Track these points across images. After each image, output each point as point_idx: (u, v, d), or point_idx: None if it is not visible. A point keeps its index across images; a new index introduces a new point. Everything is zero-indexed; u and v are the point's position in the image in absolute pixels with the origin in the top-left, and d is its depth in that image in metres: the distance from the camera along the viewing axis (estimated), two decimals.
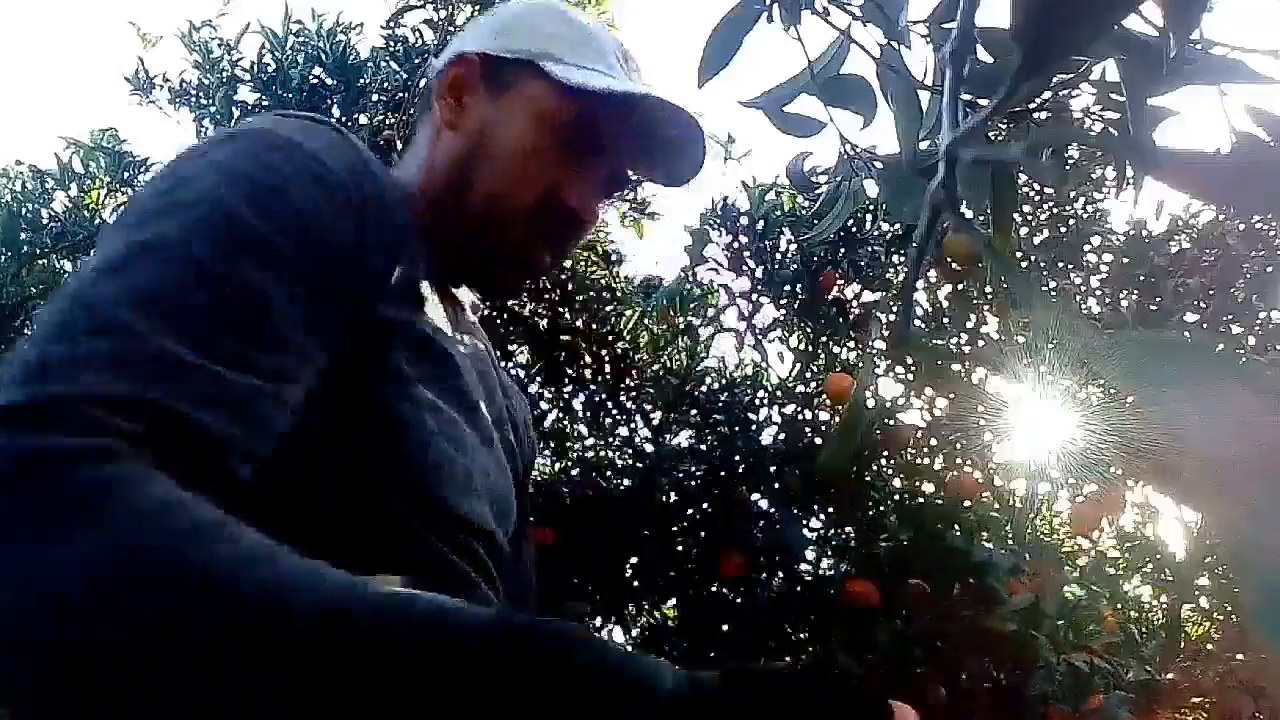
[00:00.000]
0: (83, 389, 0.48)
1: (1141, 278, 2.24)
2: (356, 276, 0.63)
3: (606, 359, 2.16)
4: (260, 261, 0.57)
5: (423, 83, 0.88)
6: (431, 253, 0.78)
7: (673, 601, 2.06)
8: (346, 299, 0.63)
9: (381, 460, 0.64)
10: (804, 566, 2.01)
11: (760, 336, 2.37)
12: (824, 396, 2.11)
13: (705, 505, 1.98)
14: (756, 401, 2.12)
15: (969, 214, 0.59)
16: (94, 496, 0.44)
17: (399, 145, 2.07)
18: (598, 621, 2.07)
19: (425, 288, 0.73)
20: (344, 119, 2.24)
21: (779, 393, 2.17)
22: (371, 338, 0.65)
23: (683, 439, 2.13)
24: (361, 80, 2.26)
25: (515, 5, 0.87)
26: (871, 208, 2.17)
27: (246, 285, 0.56)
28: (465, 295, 0.88)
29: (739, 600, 1.95)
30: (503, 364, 1.01)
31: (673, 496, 1.98)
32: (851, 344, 2.33)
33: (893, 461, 2.11)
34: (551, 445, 2.21)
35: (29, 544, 0.43)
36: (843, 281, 2.30)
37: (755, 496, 1.99)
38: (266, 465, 0.56)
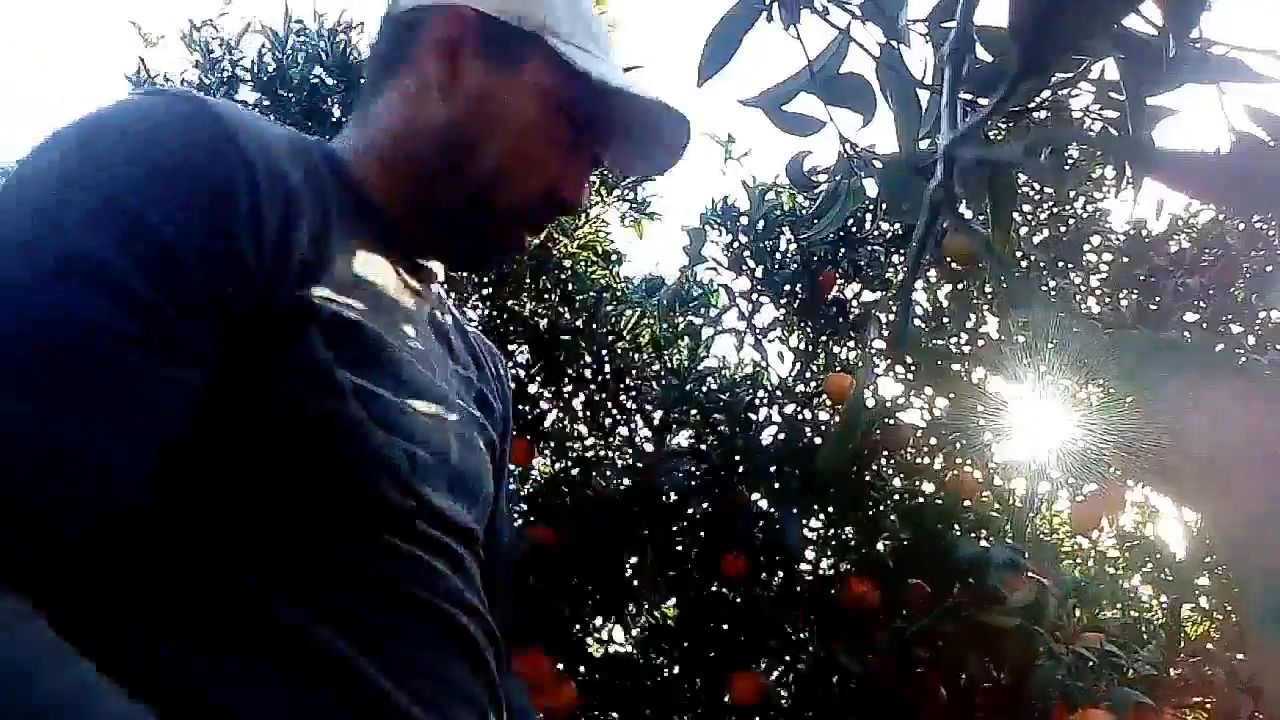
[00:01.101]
0: None
1: (1141, 277, 2.24)
2: (225, 269, 0.57)
3: (606, 359, 2.16)
4: (101, 286, 0.52)
5: (381, 26, 0.80)
6: (381, 216, 0.73)
7: (673, 601, 2.06)
8: (216, 298, 0.56)
9: (306, 462, 0.59)
10: (804, 566, 2.01)
11: (760, 336, 2.37)
12: (824, 396, 2.11)
13: (705, 505, 1.98)
14: (756, 401, 2.12)
15: (968, 214, 0.59)
16: None
17: None
18: (598, 621, 2.07)
19: (355, 257, 0.67)
20: (344, 119, 2.25)
21: (779, 393, 2.17)
22: (274, 327, 0.59)
23: (683, 439, 2.13)
24: (361, 80, 2.26)
25: None
26: (871, 207, 2.17)
27: (86, 317, 0.51)
28: (433, 265, 0.82)
29: (739, 600, 1.95)
30: (506, 362, 0.99)
31: (673, 496, 1.98)
32: (851, 344, 2.33)
33: (892, 461, 2.11)
34: (551, 445, 2.21)
35: None
36: (842, 281, 2.30)
37: (755, 496, 1.99)
38: (140, 503, 0.54)
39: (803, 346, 2.33)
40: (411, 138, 0.75)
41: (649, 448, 2.13)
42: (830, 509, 2.03)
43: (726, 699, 1.81)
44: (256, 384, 0.58)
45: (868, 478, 2.01)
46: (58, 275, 0.51)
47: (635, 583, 1.99)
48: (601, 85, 0.74)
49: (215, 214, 0.57)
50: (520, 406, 2.08)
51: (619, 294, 2.31)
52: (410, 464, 0.65)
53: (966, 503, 1.96)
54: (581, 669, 1.97)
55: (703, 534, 1.97)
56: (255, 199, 0.58)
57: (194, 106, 0.60)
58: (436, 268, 0.83)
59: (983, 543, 1.82)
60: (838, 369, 2.24)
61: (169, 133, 0.58)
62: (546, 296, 2.18)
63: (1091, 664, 1.67)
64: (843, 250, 2.25)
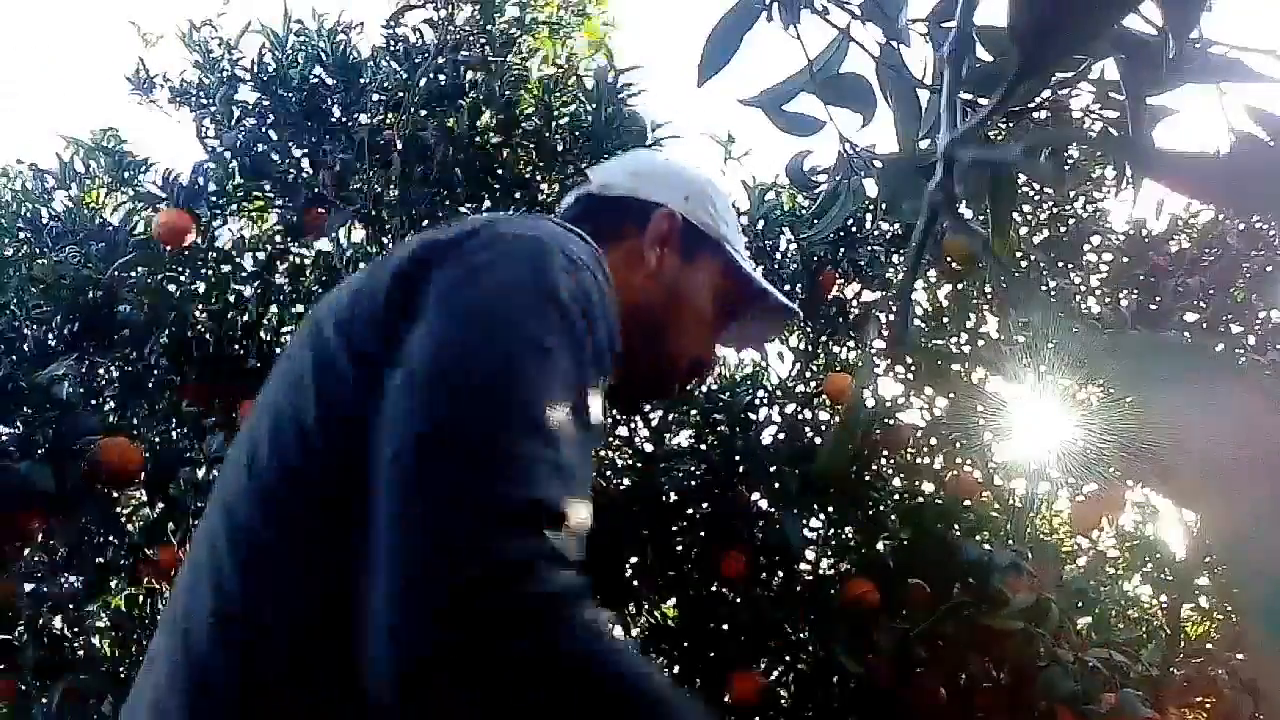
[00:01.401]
0: (553, 499, 0.54)
1: (1141, 277, 2.24)
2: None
3: None
4: (584, 375, 0.63)
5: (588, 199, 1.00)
6: None
7: (673, 601, 2.06)
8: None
9: None
10: (804, 566, 2.01)
11: None
12: (824, 396, 2.11)
13: (705, 505, 1.98)
14: (756, 401, 2.12)
15: (968, 214, 0.59)
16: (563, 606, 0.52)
17: (399, 145, 2.07)
18: None
19: None
20: (344, 119, 2.24)
21: (779, 392, 2.17)
22: None
23: (683, 439, 2.13)
24: (361, 80, 2.25)
25: (690, 168, 1.02)
26: (871, 207, 2.17)
27: (583, 401, 0.62)
28: None
29: (739, 600, 1.95)
30: None
31: (673, 496, 1.98)
32: (851, 344, 2.33)
33: (892, 461, 2.11)
34: None
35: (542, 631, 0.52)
36: (842, 281, 2.30)
37: (755, 496, 1.99)
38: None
39: (803, 346, 2.33)
40: (626, 306, 0.87)
41: (649, 448, 2.13)
42: (830, 509, 2.03)
43: (726, 699, 1.81)
44: None
45: (868, 478, 2.01)
46: (577, 369, 0.62)
47: (635, 583, 2.00)
48: (756, 290, 0.97)
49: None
50: None
51: None
52: None
53: (966, 503, 1.96)
54: None
55: (703, 534, 1.97)
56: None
57: (593, 249, 0.74)
58: None
59: (985, 545, 1.82)
60: (838, 369, 2.24)
61: (600, 273, 0.72)
62: None
63: (1094, 666, 1.67)
64: (843, 250, 2.25)
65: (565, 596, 0.52)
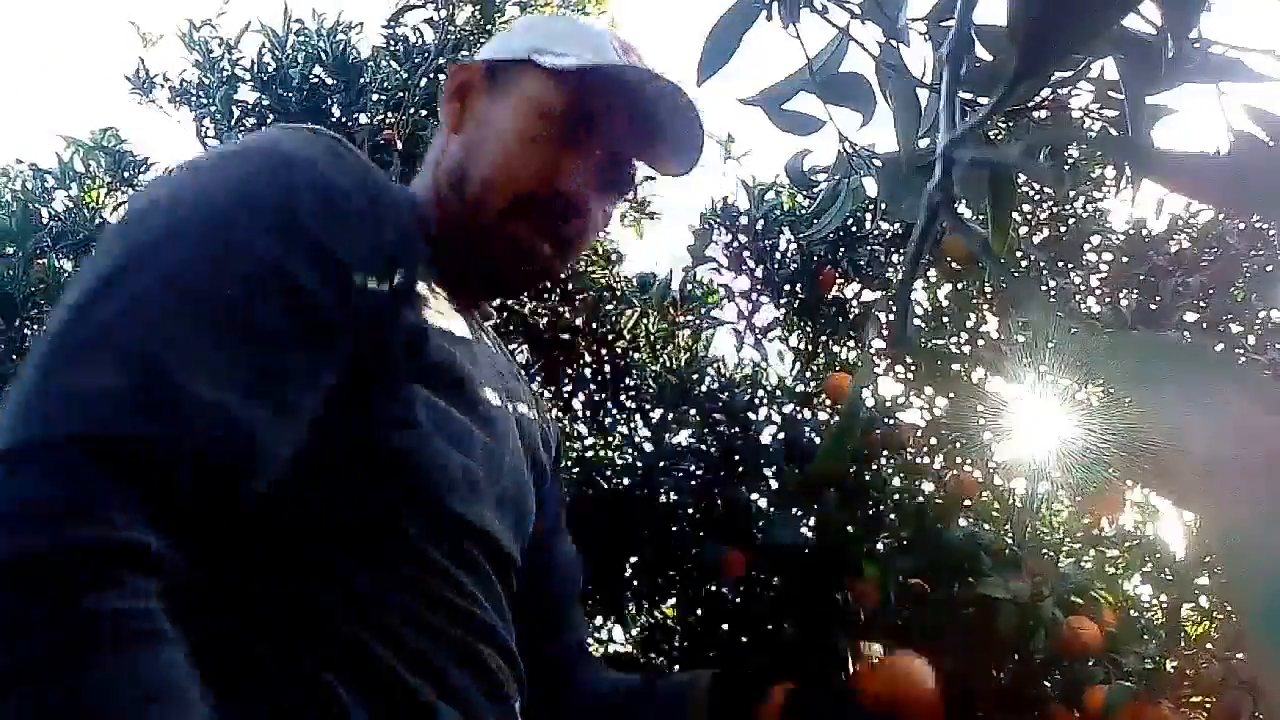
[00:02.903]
0: (100, 429, 0.49)
1: (1141, 277, 2.24)
2: (363, 292, 0.64)
3: (606, 358, 2.16)
4: (269, 288, 0.57)
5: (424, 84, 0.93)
6: (443, 259, 0.79)
7: (673, 601, 2.06)
8: (354, 315, 0.63)
9: (380, 462, 0.64)
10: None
11: (760, 336, 2.37)
12: (823, 396, 2.11)
13: (705, 505, 1.97)
14: (756, 401, 2.12)
15: (967, 214, 0.59)
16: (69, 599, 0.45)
17: (399, 145, 2.07)
18: (598, 621, 2.07)
19: (431, 293, 0.73)
20: (344, 119, 2.24)
21: (779, 392, 2.17)
22: (376, 346, 0.65)
23: (683, 439, 2.13)
24: (361, 80, 2.26)
25: (520, 19, 0.91)
26: (871, 207, 2.17)
27: (254, 313, 0.56)
28: (486, 308, 0.91)
29: (739, 600, 1.95)
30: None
31: (673, 496, 1.98)
32: (851, 344, 2.32)
33: (892, 461, 2.11)
34: None
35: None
36: (842, 281, 2.30)
37: (755, 496, 1.99)
38: (282, 480, 0.58)
39: (802, 346, 2.33)
40: (437, 180, 0.83)
41: (649, 448, 2.13)
42: (830, 509, 2.03)
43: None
44: (352, 392, 0.63)
45: (867, 477, 2.00)
46: (243, 278, 0.57)
47: (635, 583, 1.99)
48: (588, 78, 0.78)
49: (363, 239, 0.64)
50: None
51: (619, 293, 2.31)
52: (468, 480, 0.68)
53: (966, 502, 1.96)
54: None
55: (703, 534, 1.97)
56: (382, 229, 0.66)
57: (345, 147, 0.69)
58: (488, 309, 0.92)
59: (983, 542, 1.82)
60: (838, 369, 2.24)
61: (332, 166, 0.66)
62: (546, 296, 2.18)
63: (1092, 662, 1.67)
64: (843, 250, 2.25)
65: (37, 550, 0.45)
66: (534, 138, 0.79)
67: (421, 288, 0.71)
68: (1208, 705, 1.68)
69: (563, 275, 0.93)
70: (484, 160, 0.80)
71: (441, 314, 0.74)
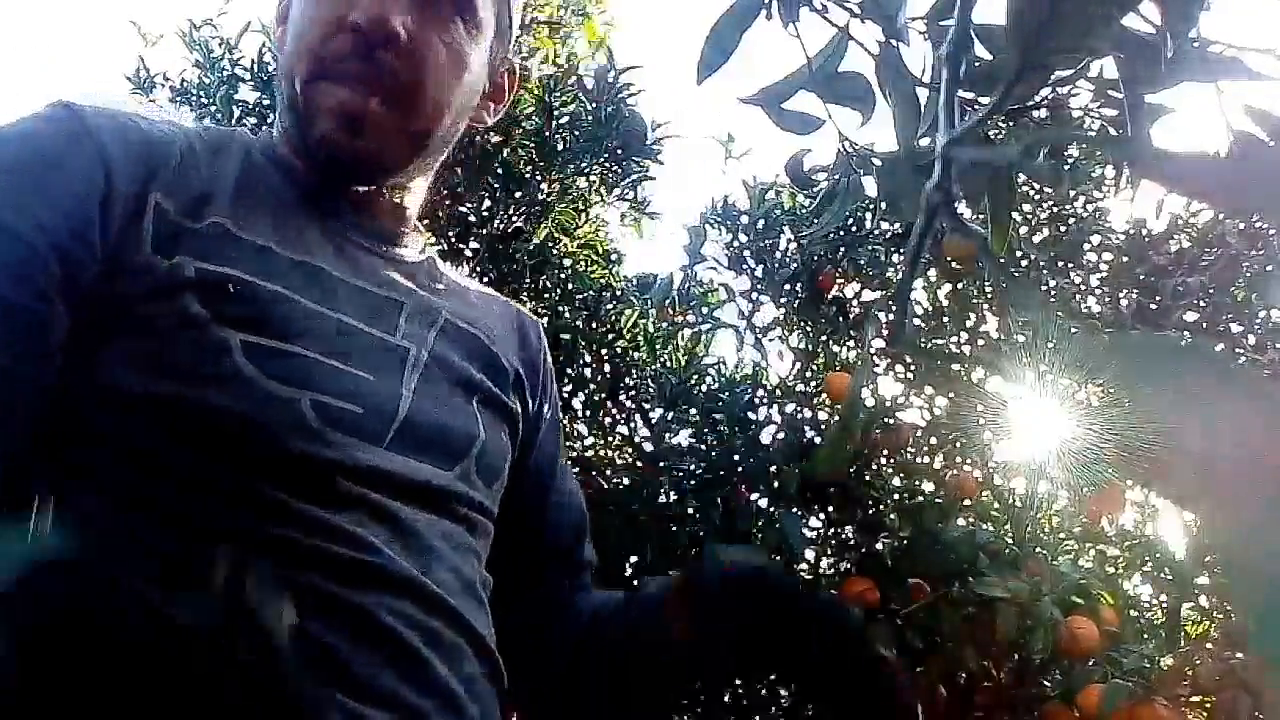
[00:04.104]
0: None
1: (1141, 276, 2.24)
2: (72, 247, 0.61)
3: (606, 358, 2.15)
4: None
5: None
6: (297, 179, 0.77)
7: None
8: (65, 277, 0.60)
9: (191, 422, 0.60)
10: (804, 566, 2.01)
11: (760, 335, 2.37)
12: (823, 396, 2.10)
13: (705, 505, 1.97)
14: (756, 400, 2.12)
15: (967, 213, 0.59)
16: None
17: None
18: None
19: (260, 224, 0.70)
20: None
21: (779, 392, 2.17)
22: (142, 293, 0.62)
23: (683, 438, 2.13)
24: None
25: None
26: (871, 206, 2.17)
27: None
28: (411, 236, 0.84)
29: None
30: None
31: (673, 496, 1.98)
32: (851, 343, 2.32)
33: (892, 461, 2.11)
34: None
35: None
36: (843, 280, 2.30)
37: (755, 496, 1.99)
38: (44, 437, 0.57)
39: (802, 346, 2.32)
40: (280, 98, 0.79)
41: (649, 447, 2.13)
42: (830, 509, 2.03)
43: (726, 699, 1.81)
44: (129, 348, 0.61)
45: (867, 477, 2.00)
46: None
47: (635, 583, 1.99)
48: None
49: (60, 200, 0.61)
50: None
51: (619, 293, 2.31)
52: (320, 415, 0.63)
53: (966, 502, 1.96)
54: None
55: (703, 534, 1.97)
56: (108, 183, 0.63)
57: (60, 110, 0.66)
58: (414, 240, 0.84)
59: (968, 525, 1.82)
60: (838, 368, 2.24)
61: (29, 132, 0.64)
62: (546, 295, 2.18)
63: (1092, 661, 1.67)
64: (843, 249, 2.25)
65: None
66: (313, 6, 0.74)
67: (242, 226, 0.67)
68: (1207, 705, 1.68)
69: (417, 132, 0.76)
70: (287, 52, 0.75)
71: (267, 239, 0.69)
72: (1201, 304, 2.20)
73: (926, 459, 2.14)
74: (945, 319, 2.24)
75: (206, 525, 0.59)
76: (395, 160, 0.77)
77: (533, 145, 2.24)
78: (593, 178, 2.30)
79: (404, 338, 0.73)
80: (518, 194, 2.23)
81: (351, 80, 0.72)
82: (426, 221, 2.04)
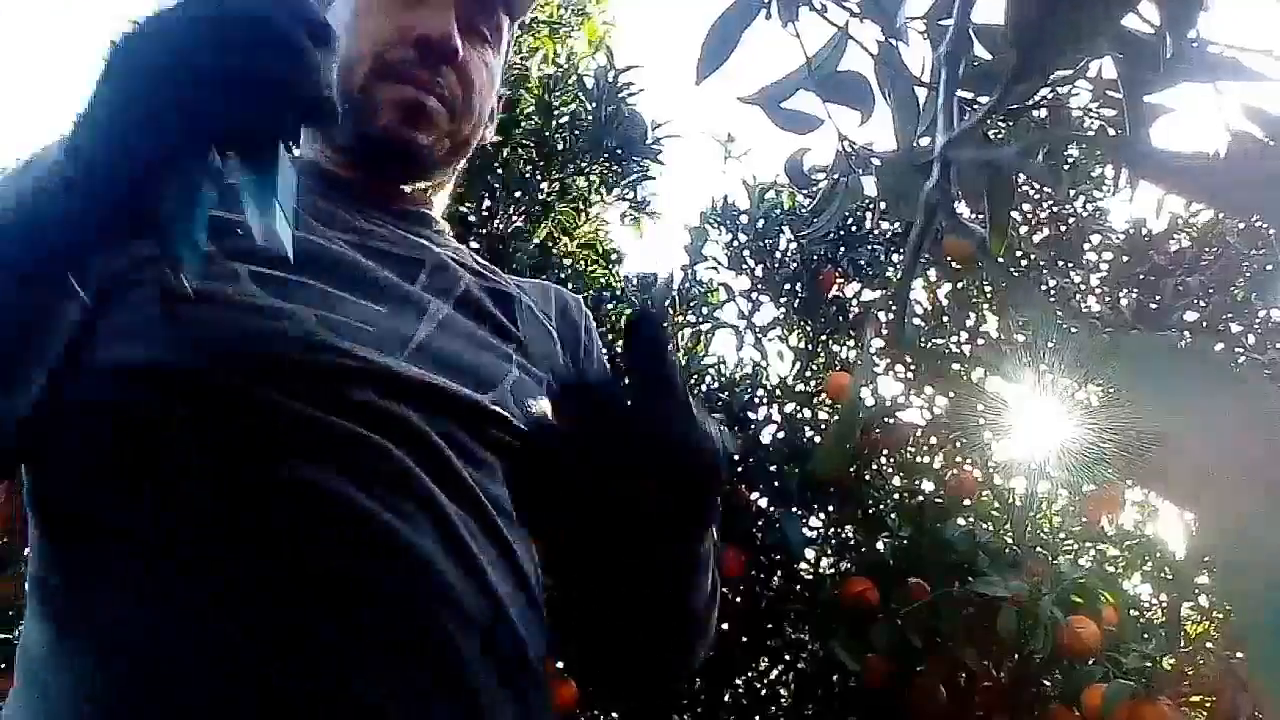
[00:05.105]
0: None
1: (1141, 276, 2.24)
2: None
3: (607, 358, 2.15)
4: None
5: None
6: (336, 179, 0.78)
7: None
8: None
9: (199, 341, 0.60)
10: (804, 566, 2.01)
11: (760, 335, 2.37)
12: (823, 395, 2.11)
13: None
14: (756, 400, 2.12)
15: (966, 213, 0.59)
16: None
17: None
18: None
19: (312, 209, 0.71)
20: None
21: (779, 391, 2.17)
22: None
23: None
24: None
25: None
26: (871, 206, 2.17)
27: None
28: (431, 217, 0.86)
29: (739, 600, 1.95)
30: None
31: None
32: (851, 343, 2.32)
33: (892, 460, 2.11)
34: None
35: None
36: (842, 280, 2.30)
37: (755, 496, 1.99)
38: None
39: (802, 345, 2.33)
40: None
41: None
42: (830, 508, 2.03)
43: (727, 698, 1.81)
44: (140, 279, 0.61)
45: (867, 477, 2.00)
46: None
47: None
48: None
49: None
50: None
51: (619, 293, 2.31)
52: (326, 326, 0.62)
53: (966, 502, 1.96)
54: None
55: None
56: None
57: None
58: (442, 230, 0.86)
59: (982, 542, 1.82)
60: (838, 368, 2.24)
61: None
62: None
63: (1092, 661, 1.67)
64: (842, 249, 2.25)
65: None
66: (379, 8, 0.78)
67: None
68: (1207, 704, 1.68)
69: (461, 143, 0.82)
70: (343, 49, 0.74)
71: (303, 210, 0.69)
72: (1201, 304, 2.20)
73: (926, 459, 2.14)
74: (945, 319, 2.24)
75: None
76: (440, 159, 0.81)
77: (533, 145, 2.24)
78: (593, 178, 2.31)
79: (424, 290, 0.73)
80: (518, 194, 2.23)
81: (414, 81, 0.77)
82: None
